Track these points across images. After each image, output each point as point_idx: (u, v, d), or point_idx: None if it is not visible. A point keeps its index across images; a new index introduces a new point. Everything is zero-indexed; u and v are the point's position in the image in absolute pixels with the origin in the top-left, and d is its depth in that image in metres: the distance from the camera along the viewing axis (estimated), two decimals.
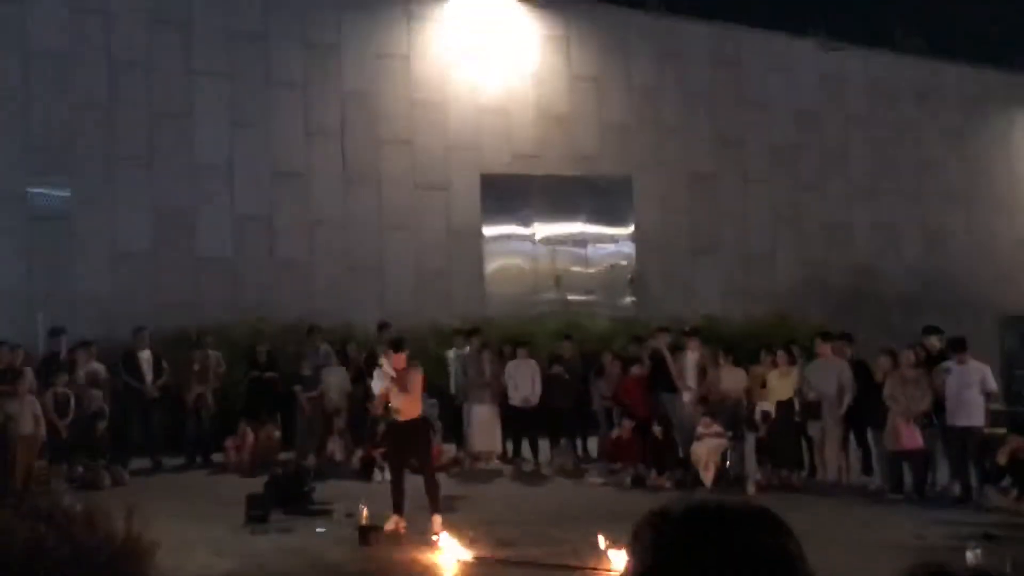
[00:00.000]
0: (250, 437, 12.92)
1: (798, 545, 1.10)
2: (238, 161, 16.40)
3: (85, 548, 0.79)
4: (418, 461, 9.32)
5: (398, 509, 9.02)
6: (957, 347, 10.53)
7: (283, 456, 12.69)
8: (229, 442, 12.93)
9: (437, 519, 8.80)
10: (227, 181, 16.35)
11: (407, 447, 9.18)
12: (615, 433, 12.18)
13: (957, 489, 10.48)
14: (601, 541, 7.84)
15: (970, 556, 7.17)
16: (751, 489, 11.06)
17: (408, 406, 8.99)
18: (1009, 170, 21.44)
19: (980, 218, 20.89)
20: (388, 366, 9.06)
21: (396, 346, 9.41)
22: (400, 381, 8.95)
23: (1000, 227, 21.06)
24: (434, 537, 8.46)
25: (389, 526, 8.87)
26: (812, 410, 11.31)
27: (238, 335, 14.86)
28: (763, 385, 11.75)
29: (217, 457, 13.18)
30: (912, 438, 10.46)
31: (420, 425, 9.24)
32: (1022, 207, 21.40)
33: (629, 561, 1.13)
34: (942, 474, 11.07)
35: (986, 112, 21.38)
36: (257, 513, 9.44)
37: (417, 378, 9.10)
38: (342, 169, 16.94)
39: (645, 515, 1.14)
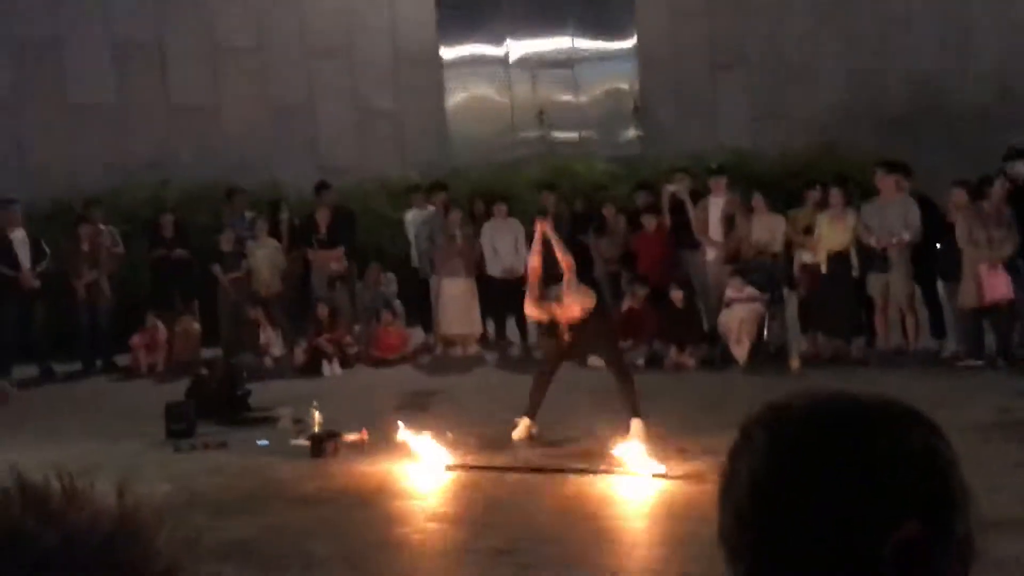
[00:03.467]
0: (162, 332, 12.95)
1: (951, 449, 1.11)
2: None
3: (74, 532, 0.82)
4: (603, 356, 9.08)
5: (533, 411, 8.88)
6: None
7: (206, 353, 12.75)
8: (136, 339, 12.95)
9: (637, 423, 8.50)
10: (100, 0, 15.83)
11: (578, 341, 8.72)
12: (625, 303, 12.27)
13: None
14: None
15: None
16: (795, 364, 11.27)
17: (576, 295, 8.53)
18: None
19: None
20: (537, 254, 8.55)
21: (545, 211, 8.92)
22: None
23: None
24: (620, 447, 8.00)
25: (520, 433, 8.85)
26: (874, 260, 11.37)
27: (134, 203, 14.73)
28: (807, 232, 11.79)
29: (122, 359, 13.22)
30: (998, 288, 10.60)
31: (594, 313, 8.71)
32: None
33: (731, 467, 1.12)
34: None
35: None
36: (180, 427, 9.51)
37: (585, 304, 8.54)
38: None
39: (757, 411, 1.13)
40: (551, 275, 8.81)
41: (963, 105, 19.44)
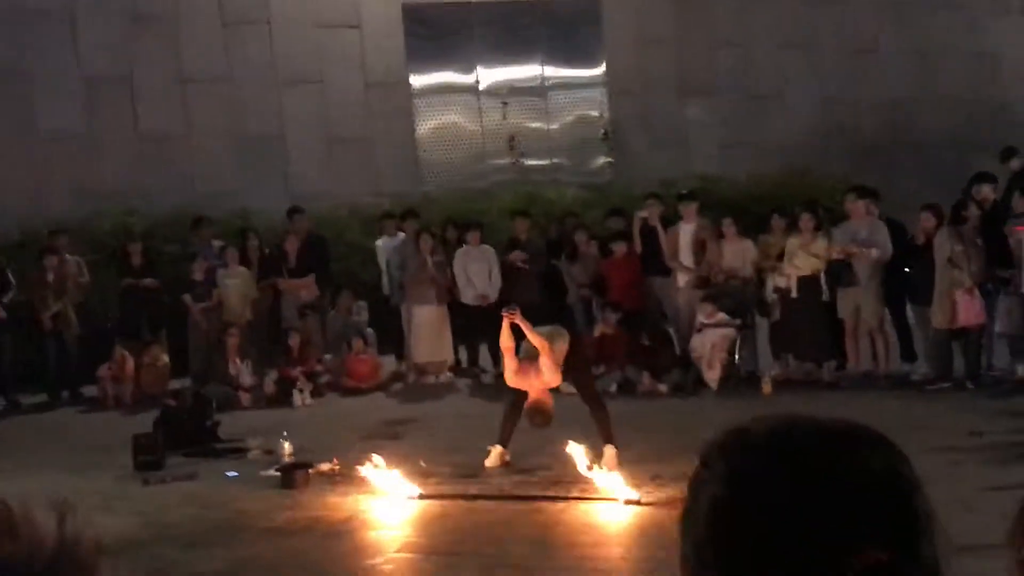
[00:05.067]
0: (130, 362, 12.85)
1: (915, 472, 1.10)
2: (81, 2, 15.79)
3: (11, 562, 0.81)
4: (575, 383, 9.03)
5: (505, 439, 8.91)
6: None
7: (175, 384, 12.66)
8: (104, 370, 12.84)
9: (610, 450, 8.58)
10: (68, 30, 15.77)
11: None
12: (596, 330, 12.28)
13: (1021, 371, 10.82)
14: (580, 453, 8.06)
15: None
16: (767, 388, 11.31)
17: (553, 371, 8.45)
18: None
19: None
20: (507, 334, 8.48)
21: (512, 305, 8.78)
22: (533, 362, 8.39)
23: None
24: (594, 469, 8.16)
25: (492, 461, 8.85)
26: (841, 275, 11.40)
27: (102, 233, 14.64)
28: (779, 257, 11.86)
29: (90, 390, 13.09)
30: (972, 312, 10.66)
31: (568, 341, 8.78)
32: None
33: (691, 495, 1.11)
34: (999, 355, 11.40)
35: None
36: (148, 458, 9.42)
37: (559, 349, 8.57)
38: (219, 8, 16.43)
39: (716, 438, 1.13)
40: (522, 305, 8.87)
41: (931, 131, 19.68)
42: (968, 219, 10.93)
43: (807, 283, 11.62)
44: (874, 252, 11.28)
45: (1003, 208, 11.36)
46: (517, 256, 13.21)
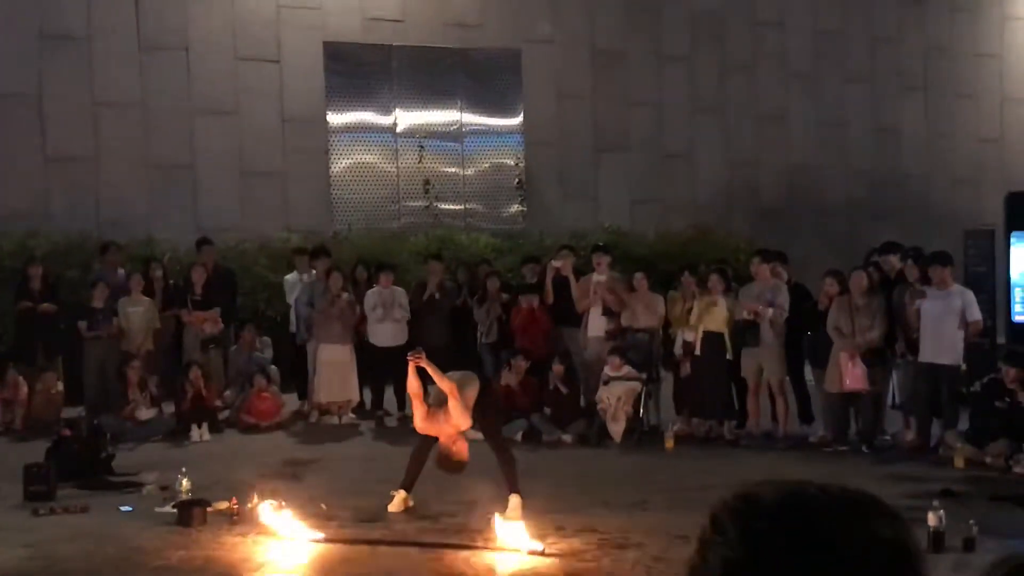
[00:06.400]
0: (23, 389, 12.53)
1: (916, 539, 1.15)
2: None
3: None
4: (483, 430, 8.84)
5: (409, 483, 8.80)
6: (940, 264, 10.91)
7: (68, 412, 12.32)
8: None
9: (515, 499, 8.43)
10: None
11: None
12: (504, 378, 12.27)
13: (911, 437, 11.10)
14: (497, 521, 7.98)
15: (932, 518, 7.64)
16: (669, 443, 11.41)
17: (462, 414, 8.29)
18: (975, 50, 22.32)
19: (940, 109, 21.77)
20: (414, 379, 8.39)
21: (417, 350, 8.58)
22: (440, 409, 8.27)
23: (964, 119, 22.00)
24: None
25: (395, 505, 8.72)
26: (746, 334, 11.58)
27: (1, 254, 14.30)
28: (689, 313, 12.01)
29: None
30: (856, 378, 10.93)
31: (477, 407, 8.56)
32: (989, 95, 22.36)
33: (702, 554, 1.14)
34: (892, 421, 11.68)
35: None
36: (39, 488, 9.17)
37: (469, 395, 8.41)
38: (136, 33, 16.22)
39: (726, 502, 1.16)
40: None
41: (831, 198, 20.26)
42: (857, 288, 11.15)
43: (712, 342, 11.78)
44: (770, 311, 11.48)
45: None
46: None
